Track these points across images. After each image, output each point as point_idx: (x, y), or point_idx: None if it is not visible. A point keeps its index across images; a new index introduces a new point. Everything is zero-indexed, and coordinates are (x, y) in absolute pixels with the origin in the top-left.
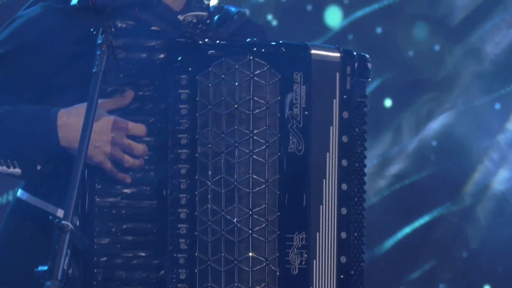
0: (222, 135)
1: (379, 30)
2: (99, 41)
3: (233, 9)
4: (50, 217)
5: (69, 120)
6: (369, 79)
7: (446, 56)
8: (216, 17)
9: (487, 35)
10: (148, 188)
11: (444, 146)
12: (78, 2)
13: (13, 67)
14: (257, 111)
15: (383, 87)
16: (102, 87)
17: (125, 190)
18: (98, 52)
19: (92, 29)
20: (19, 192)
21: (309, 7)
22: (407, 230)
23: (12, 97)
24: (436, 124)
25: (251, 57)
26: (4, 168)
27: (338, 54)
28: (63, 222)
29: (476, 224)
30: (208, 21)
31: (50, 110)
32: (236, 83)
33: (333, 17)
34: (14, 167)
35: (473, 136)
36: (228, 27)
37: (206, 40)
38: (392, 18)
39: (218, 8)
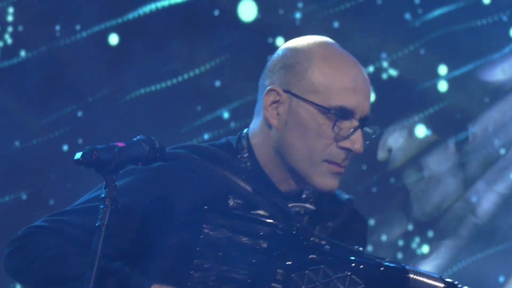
0: None
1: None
2: (103, 195)
3: (343, 197)
4: None
5: None
6: None
7: None
8: (323, 206)
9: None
10: None
11: None
12: (81, 156)
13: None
14: None
15: None
16: (199, 262)
17: None
18: (101, 206)
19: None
20: None
21: None
22: None
23: (109, 250)
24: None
25: (349, 274)
26: None
27: (442, 285)
28: None
29: None
30: (317, 211)
31: (143, 283)
32: None
33: None
34: None
35: None
36: (335, 221)
37: (312, 238)
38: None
39: None
